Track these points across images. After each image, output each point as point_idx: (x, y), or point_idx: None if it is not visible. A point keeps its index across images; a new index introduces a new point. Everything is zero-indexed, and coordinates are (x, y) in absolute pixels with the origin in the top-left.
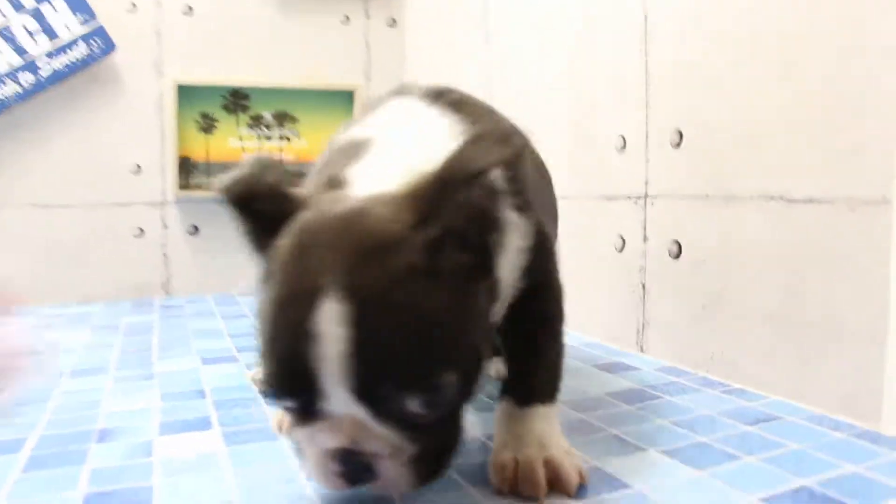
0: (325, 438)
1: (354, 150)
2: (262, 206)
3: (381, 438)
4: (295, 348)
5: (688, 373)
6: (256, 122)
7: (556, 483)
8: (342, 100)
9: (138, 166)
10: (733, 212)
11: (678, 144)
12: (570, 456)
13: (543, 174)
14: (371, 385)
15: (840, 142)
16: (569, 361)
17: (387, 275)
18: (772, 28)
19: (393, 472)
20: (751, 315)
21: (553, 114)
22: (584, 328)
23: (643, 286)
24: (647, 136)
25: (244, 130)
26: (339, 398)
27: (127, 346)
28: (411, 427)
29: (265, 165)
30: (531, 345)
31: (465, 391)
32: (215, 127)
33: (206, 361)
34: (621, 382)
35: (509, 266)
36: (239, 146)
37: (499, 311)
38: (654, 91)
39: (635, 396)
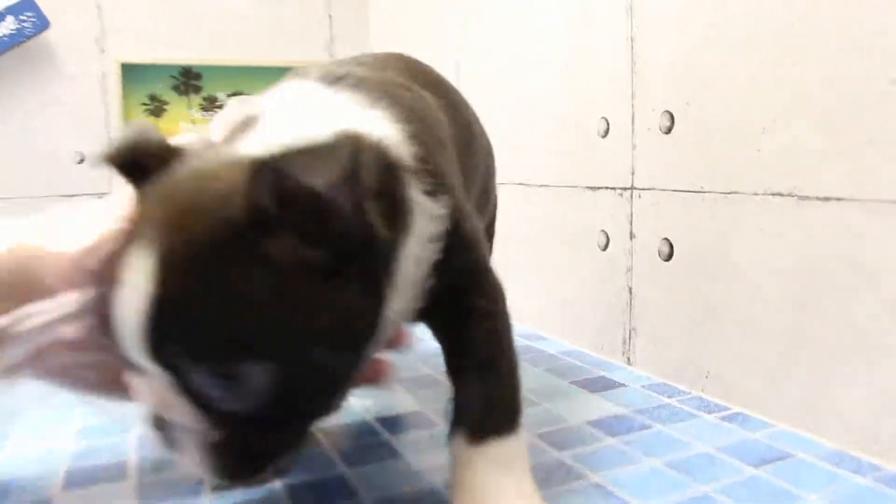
0: (141, 396)
1: (239, 126)
2: (147, 164)
3: (181, 411)
4: (113, 296)
5: (681, 392)
6: (210, 103)
7: None
8: None
9: (81, 155)
10: (734, 209)
11: (669, 130)
12: None
13: (476, 152)
14: (163, 348)
15: (865, 131)
16: (544, 376)
17: (207, 238)
18: None
19: (191, 451)
20: (753, 328)
21: (528, 94)
22: (563, 333)
23: (630, 290)
24: (633, 120)
25: (197, 113)
26: (139, 355)
27: None
28: (214, 410)
29: (147, 128)
30: (472, 357)
31: (299, 395)
32: (165, 110)
33: None
34: (605, 406)
35: (414, 258)
36: (192, 130)
37: (403, 311)
38: (642, 67)
39: (621, 425)
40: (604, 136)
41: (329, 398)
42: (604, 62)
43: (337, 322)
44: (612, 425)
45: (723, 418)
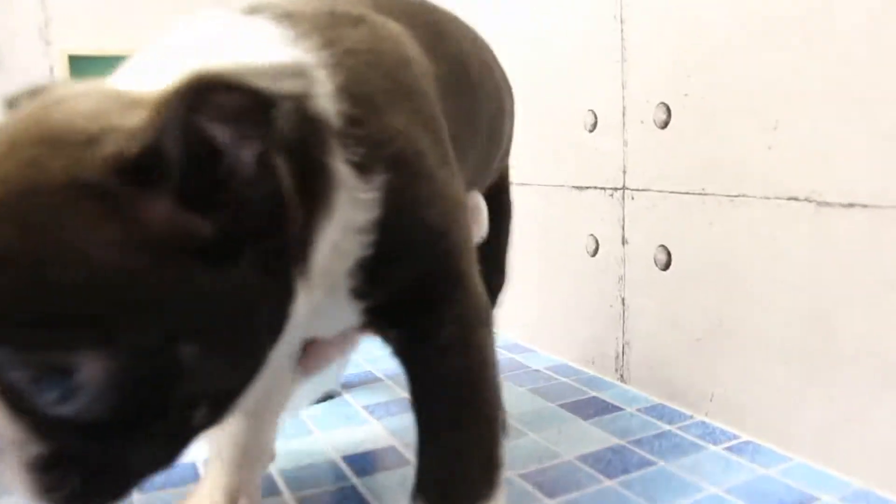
0: None
1: (144, 55)
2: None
3: None
4: None
5: (682, 415)
6: None
7: None
8: None
9: None
10: (741, 214)
11: (666, 124)
12: None
13: (475, 89)
14: None
15: (893, 130)
16: (529, 398)
17: (47, 183)
18: None
19: (8, 470)
20: (764, 348)
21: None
22: (549, 345)
23: (623, 300)
24: (623, 112)
25: None
26: None
27: None
28: (39, 418)
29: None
30: (437, 405)
31: (159, 400)
32: None
33: None
34: (598, 435)
35: (333, 249)
36: None
37: (322, 317)
38: (633, 52)
39: (618, 461)
40: (591, 131)
41: (207, 409)
42: (589, 46)
43: (218, 314)
44: (608, 462)
45: (731, 449)
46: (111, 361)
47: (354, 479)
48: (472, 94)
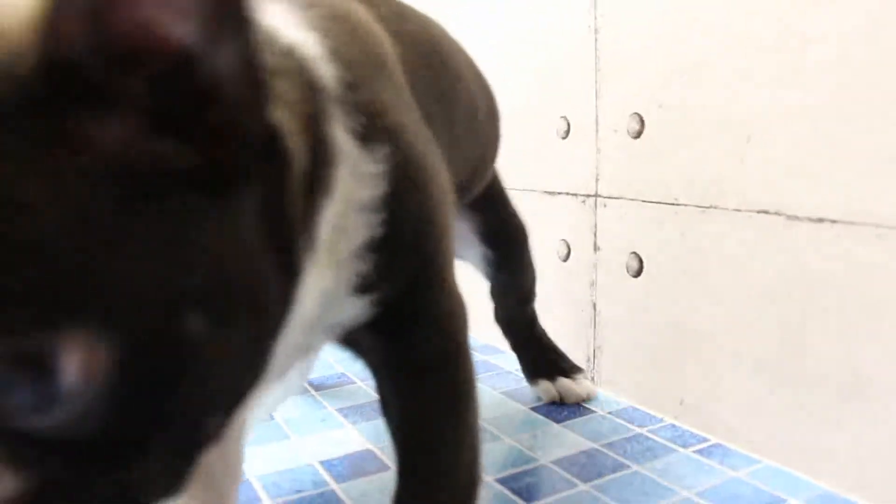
0: None
1: None
2: None
3: None
4: None
5: (653, 419)
6: None
7: None
8: None
9: None
10: (713, 226)
11: (639, 134)
12: None
13: (443, 77)
14: None
15: (868, 145)
16: (503, 402)
17: None
18: None
19: None
20: (734, 357)
21: None
22: None
23: (594, 305)
24: (596, 121)
25: None
26: None
27: None
28: (14, 437)
29: None
30: (417, 428)
31: (165, 397)
32: None
33: None
34: (572, 439)
35: (336, 230)
36: None
37: (324, 318)
38: (607, 62)
39: (592, 465)
40: (564, 138)
41: (220, 410)
42: (564, 57)
43: (222, 269)
44: (581, 465)
45: (701, 452)
46: (97, 343)
47: (334, 485)
48: (441, 81)
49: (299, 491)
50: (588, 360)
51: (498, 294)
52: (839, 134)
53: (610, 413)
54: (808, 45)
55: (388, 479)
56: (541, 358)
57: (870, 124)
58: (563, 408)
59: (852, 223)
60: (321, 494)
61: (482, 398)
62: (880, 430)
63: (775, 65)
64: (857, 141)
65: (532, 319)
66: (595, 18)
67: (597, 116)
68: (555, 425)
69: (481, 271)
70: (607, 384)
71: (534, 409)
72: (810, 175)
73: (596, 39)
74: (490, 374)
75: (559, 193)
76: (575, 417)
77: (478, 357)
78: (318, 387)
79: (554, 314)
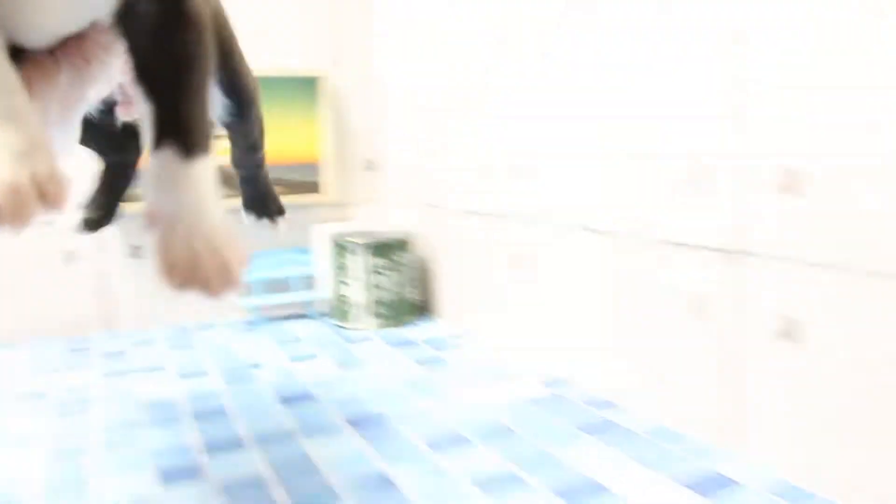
0: None
1: None
2: None
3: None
4: None
5: (807, 496)
6: None
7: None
8: (305, 89)
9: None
10: (879, 292)
11: (790, 187)
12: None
13: None
14: None
15: None
16: (633, 467)
17: None
18: None
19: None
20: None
21: (592, 125)
22: (653, 407)
23: (741, 370)
24: (740, 172)
25: None
26: None
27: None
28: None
29: None
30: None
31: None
32: None
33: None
34: None
35: None
36: None
37: None
38: (755, 108)
39: None
40: (702, 187)
41: None
42: (702, 95)
43: None
44: None
45: None
46: None
47: None
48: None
49: None
50: (734, 425)
51: (233, 141)
52: None
53: (765, 488)
54: None
55: None
56: (257, 198)
57: None
58: (711, 477)
59: None
60: None
61: (606, 460)
62: None
63: None
64: None
65: (259, 165)
66: (740, 58)
67: (741, 167)
68: (701, 498)
69: (220, 121)
70: (757, 452)
71: (676, 479)
72: None
73: (740, 83)
74: (613, 435)
75: (695, 246)
76: (723, 487)
77: (595, 413)
78: None
79: (689, 373)
